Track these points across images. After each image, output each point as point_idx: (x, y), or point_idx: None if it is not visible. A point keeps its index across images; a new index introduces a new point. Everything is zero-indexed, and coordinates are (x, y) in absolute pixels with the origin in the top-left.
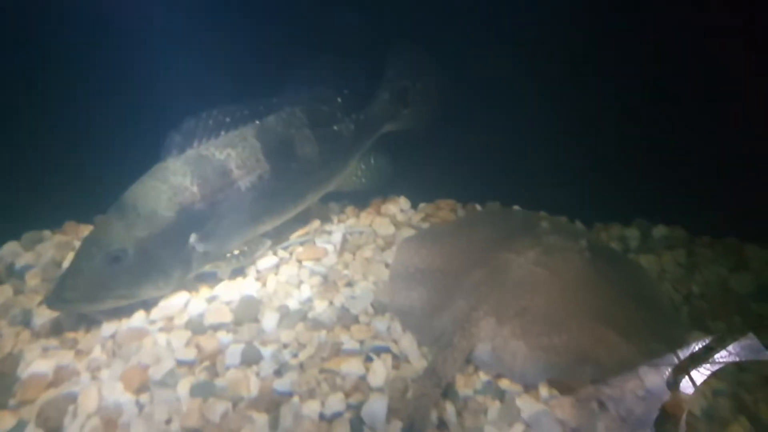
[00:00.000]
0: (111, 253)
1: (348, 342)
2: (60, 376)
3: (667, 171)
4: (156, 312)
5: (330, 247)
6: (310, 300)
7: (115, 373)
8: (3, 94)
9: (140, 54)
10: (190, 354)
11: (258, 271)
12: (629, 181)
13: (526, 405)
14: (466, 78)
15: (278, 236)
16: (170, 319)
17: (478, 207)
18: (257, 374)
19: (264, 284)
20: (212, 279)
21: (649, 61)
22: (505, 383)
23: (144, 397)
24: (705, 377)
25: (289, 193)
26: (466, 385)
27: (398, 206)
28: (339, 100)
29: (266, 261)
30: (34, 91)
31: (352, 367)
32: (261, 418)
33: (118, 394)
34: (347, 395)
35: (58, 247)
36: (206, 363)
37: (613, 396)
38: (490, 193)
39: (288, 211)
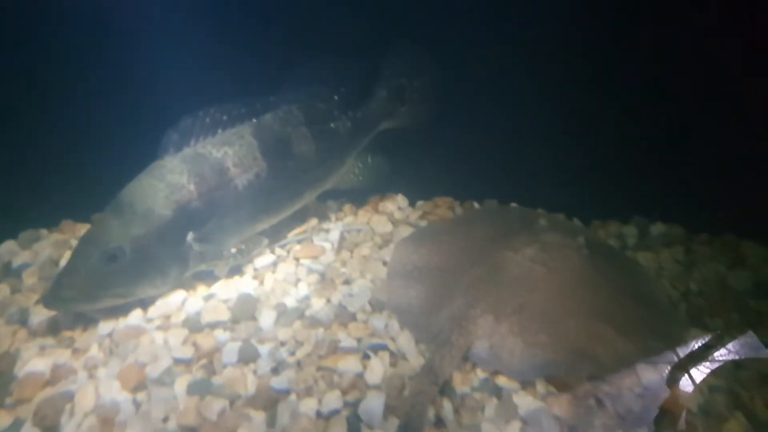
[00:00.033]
0: (108, 252)
1: (345, 340)
2: (57, 374)
3: (666, 169)
4: (153, 310)
5: (328, 245)
6: (307, 298)
7: (112, 372)
8: (0, 93)
9: (138, 53)
10: (188, 352)
11: (255, 269)
12: (627, 178)
13: (524, 402)
14: (464, 76)
15: (276, 234)
16: (167, 317)
17: (476, 205)
18: (254, 372)
19: (261, 282)
20: (209, 277)
21: (648, 60)
22: (502, 380)
23: (141, 396)
24: (702, 374)
25: (287, 191)
26: (463, 382)
27: (396, 204)
28: (336, 97)
29: (263, 259)
30: (31, 91)
31: (350, 364)
32: (258, 416)
33: (115, 392)
34: (344, 393)
35: (55, 246)
36: (203, 361)
37: (611, 393)
38: (487, 190)
39: (285, 209)
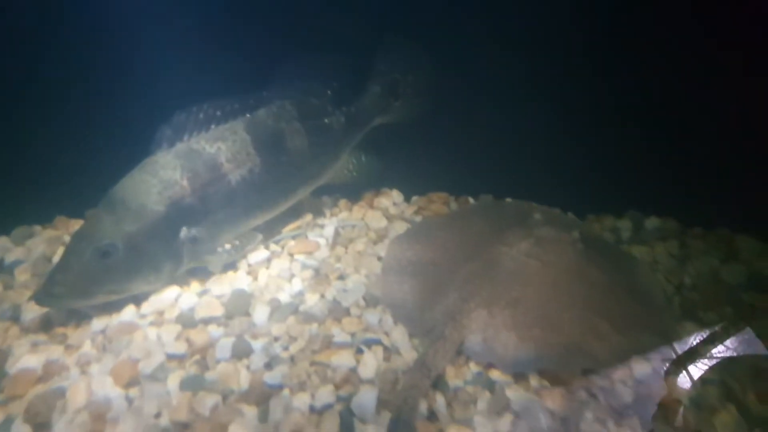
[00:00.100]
0: (101, 248)
1: (339, 335)
2: (49, 371)
3: (660, 163)
4: (146, 306)
5: (322, 241)
6: (301, 293)
7: (105, 368)
8: None
9: (132, 50)
10: (181, 348)
11: (249, 265)
12: (622, 173)
13: (516, 395)
14: (459, 71)
15: (270, 230)
16: (161, 313)
17: (471, 200)
18: (248, 367)
19: (255, 278)
20: (203, 273)
21: (642, 56)
22: (495, 374)
23: (134, 392)
24: (694, 366)
25: (280, 186)
26: (456, 376)
27: (391, 199)
28: (329, 93)
29: (258, 255)
30: (25, 88)
31: (343, 359)
32: (251, 411)
33: (108, 388)
34: (337, 387)
35: (48, 242)
36: (197, 357)
37: (604, 386)
38: (482, 186)
39: (279, 204)
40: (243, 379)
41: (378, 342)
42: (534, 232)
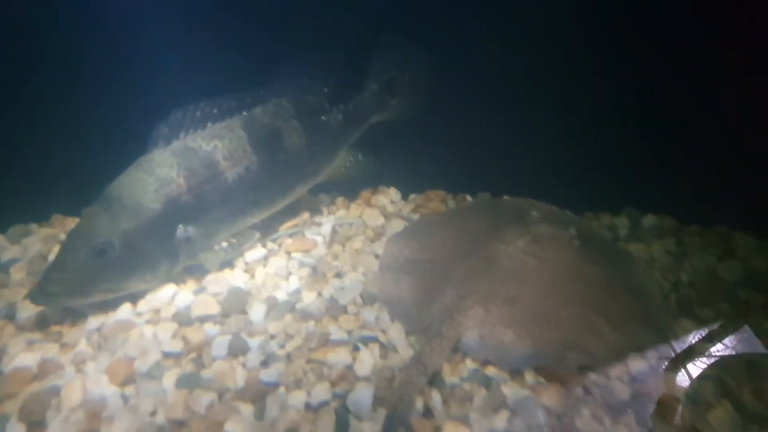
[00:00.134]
0: (97, 246)
1: (336, 332)
2: (44, 369)
3: (658, 161)
4: (143, 304)
5: (319, 239)
6: (298, 291)
7: (101, 366)
8: None
9: (129, 48)
10: (177, 346)
11: (246, 263)
12: (620, 171)
13: (512, 392)
14: (457, 69)
15: (267, 228)
16: (157, 311)
17: (469, 198)
18: (244, 365)
19: (252, 276)
20: (200, 271)
21: (640, 54)
22: (491, 370)
23: (129, 390)
24: (689, 362)
25: (277, 184)
26: (453, 373)
27: (388, 197)
28: (326, 90)
29: (255, 253)
30: (21, 86)
31: (340, 356)
32: (247, 409)
33: (103, 387)
34: (333, 385)
35: (44, 241)
36: (193, 355)
37: (600, 383)
38: (480, 184)
39: (276, 202)
40: (239, 377)
41: (375, 339)
42: (531, 229)
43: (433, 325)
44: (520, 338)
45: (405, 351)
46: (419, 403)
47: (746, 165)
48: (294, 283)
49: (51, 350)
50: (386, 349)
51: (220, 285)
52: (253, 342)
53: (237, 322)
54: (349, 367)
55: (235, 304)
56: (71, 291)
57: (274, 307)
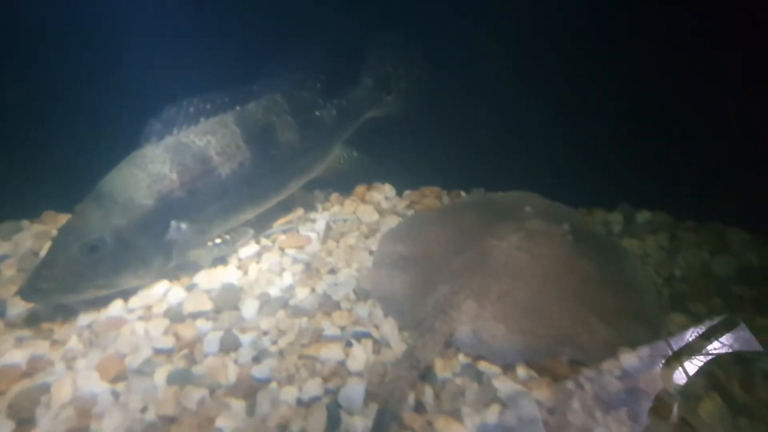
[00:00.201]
0: (88, 243)
1: (329, 328)
2: (34, 366)
3: (653, 158)
4: (135, 301)
5: (313, 235)
6: (291, 287)
7: (92, 363)
8: None
9: (121, 44)
10: (168, 342)
11: (239, 260)
12: (614, 167)
13: (504, 386)
14: (452, 65)
15: (261, 224)
16: (149, 307)
17: (463, 194)
18: (235, 361)
19: (245, 272)
20: (193, 268)
21: (634, 51)
22: (484, 365)
23: (120, 386)
24: (681, 356)
25: (271, 180)
26: (445, 368)
27: (383, 194)
28: (319, 85)
29: (248, 249)
30: (12, 82)
31: (332, 352)
32: (238, 405)
33: (94, 383)
34: (326, 380)
35: (36, 237)
36: (184, 351)
37: (591, 377)
38: (474, 180)
39: (270, 198)
40: (231, 373)
41: (368, 335)
42: (525, 225)
43: (426, 320)
44: (512, 333)
45: (398, 347)
46: (411, 398)
47: (740, 161)
48: (287, 279)
49: (41, 347)
50: (379, 344)
51: (213, 281)
52: (245, 338)
53: (229, 318)
54: (342, 363)
55: (228, 300)
56: (62, 288)
57: (266, 304)
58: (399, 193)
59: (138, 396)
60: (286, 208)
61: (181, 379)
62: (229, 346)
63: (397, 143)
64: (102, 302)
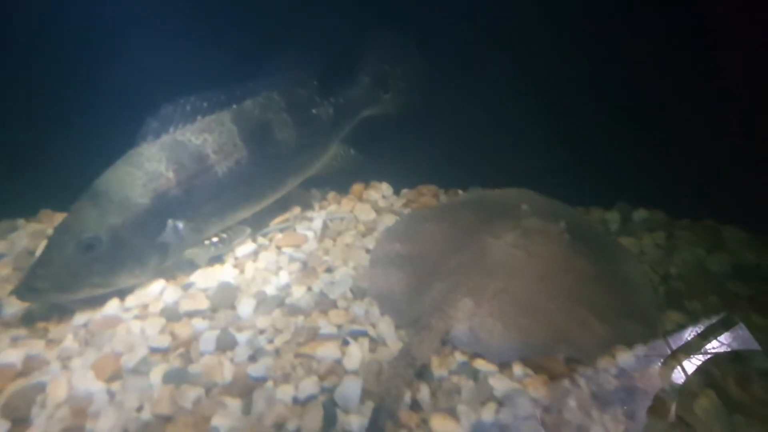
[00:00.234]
0: (84, 241)
1: (325, 327)
2: (29, 365)
3: (649, 156)
4: (131, 300)
5: (310, 234)
6: (288, 286)
7: (87, 362)
8: None
9: (117, 42)
10: (164, 341)
11: (236, 258)
12: (611, 166)
13: (500, 384)
14: (449, 64)
15: (258, 223)
16: (145, 306)
17: (461, 193)
18: (231, 360)
19: (242, 271)
20: (189, 266)
21: (630, 50)
22: (480, 363)
23: (116, 386)
24: (677, 354)
25: (268, 178)
26: (441, 366)
27: (380, 192)
28: (316, 83)
29: (245, 248)
30: (7, 81)
31: (328, 351)
32: (234, 403)
33: (89, 382)
34: (322, 379)
35: (32, 236)
36: (180, 350)
37: (587, 374)
38: (472, 179)
39: (267, 196)
40: (227, 372)
41: (364, 333)
42: (521, 223)
43: (422, 318)
44: (509, 331)
45: (394, 345)
46: (407, 396)
47: (737, 160)
48: (284, 277)
49: (36, 346)
50: (375, 343)
51: (210, 280)
52: (242, 337)
53: (225, 317)
54: (338, 361)
55: (224, 299)
56: (58, 287)
57: (263, 302)
58: (396, 192)
59: (134, 395)
60: (283, 206)
61: (176, 378)
62: (225, 344)
63: (394, 142)
64: (98, 301)
